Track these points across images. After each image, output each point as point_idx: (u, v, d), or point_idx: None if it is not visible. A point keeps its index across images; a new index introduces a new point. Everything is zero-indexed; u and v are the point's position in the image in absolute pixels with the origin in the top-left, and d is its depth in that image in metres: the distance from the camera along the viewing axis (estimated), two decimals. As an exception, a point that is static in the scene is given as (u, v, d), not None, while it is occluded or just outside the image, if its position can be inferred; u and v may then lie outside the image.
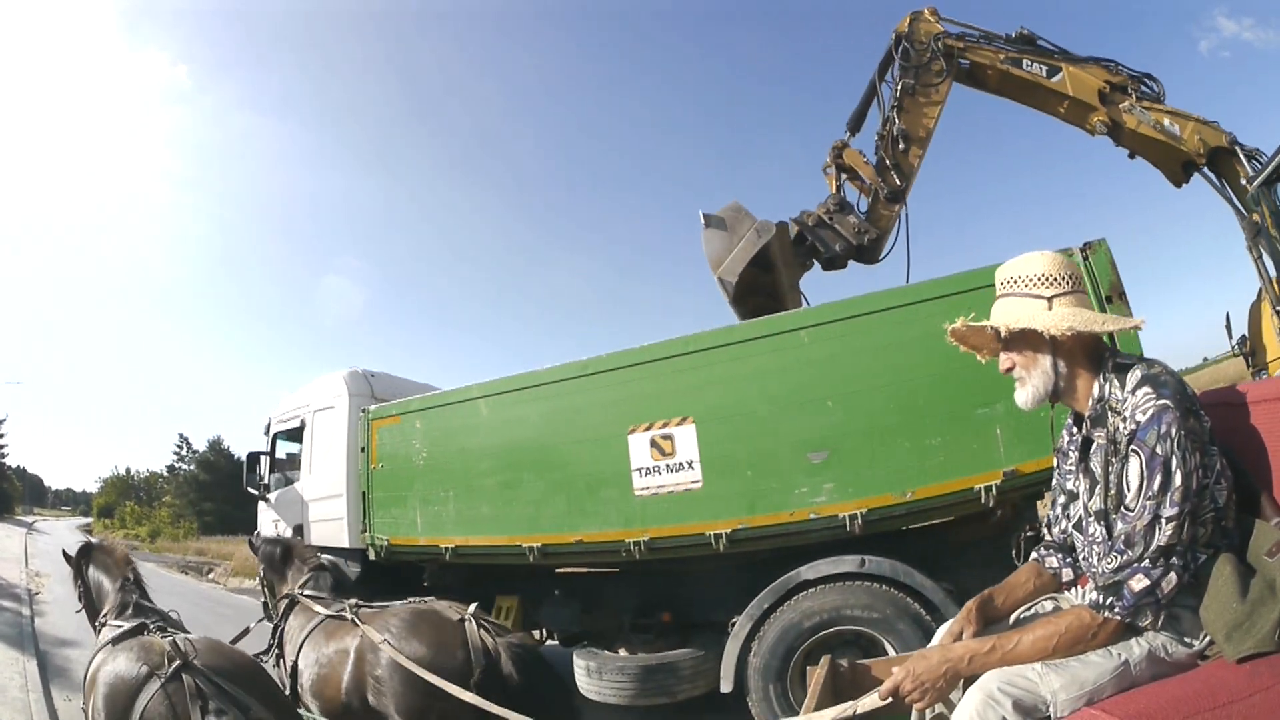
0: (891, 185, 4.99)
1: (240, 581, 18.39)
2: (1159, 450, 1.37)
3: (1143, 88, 4.66)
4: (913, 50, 4.84)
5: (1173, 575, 1.38)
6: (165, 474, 51.80)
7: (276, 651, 3.49)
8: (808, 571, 3.79)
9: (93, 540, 3.35)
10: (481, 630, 2.86)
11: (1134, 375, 1.48)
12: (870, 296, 3.75)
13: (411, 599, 3.26)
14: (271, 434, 7.01)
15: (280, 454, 7.09)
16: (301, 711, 2.96)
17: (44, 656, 7.10)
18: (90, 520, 60.39)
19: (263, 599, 4.25)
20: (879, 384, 3.62)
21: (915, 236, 5.25)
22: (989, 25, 5.05)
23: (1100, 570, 1.47)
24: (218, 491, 44.96)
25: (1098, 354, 1.57)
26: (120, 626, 2.60)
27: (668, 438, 4.07)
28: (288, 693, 3.04)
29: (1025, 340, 1.58)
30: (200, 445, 49.25)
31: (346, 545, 5.80)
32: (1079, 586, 1.72)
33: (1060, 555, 1.77)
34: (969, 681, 1.46)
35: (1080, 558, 1.67)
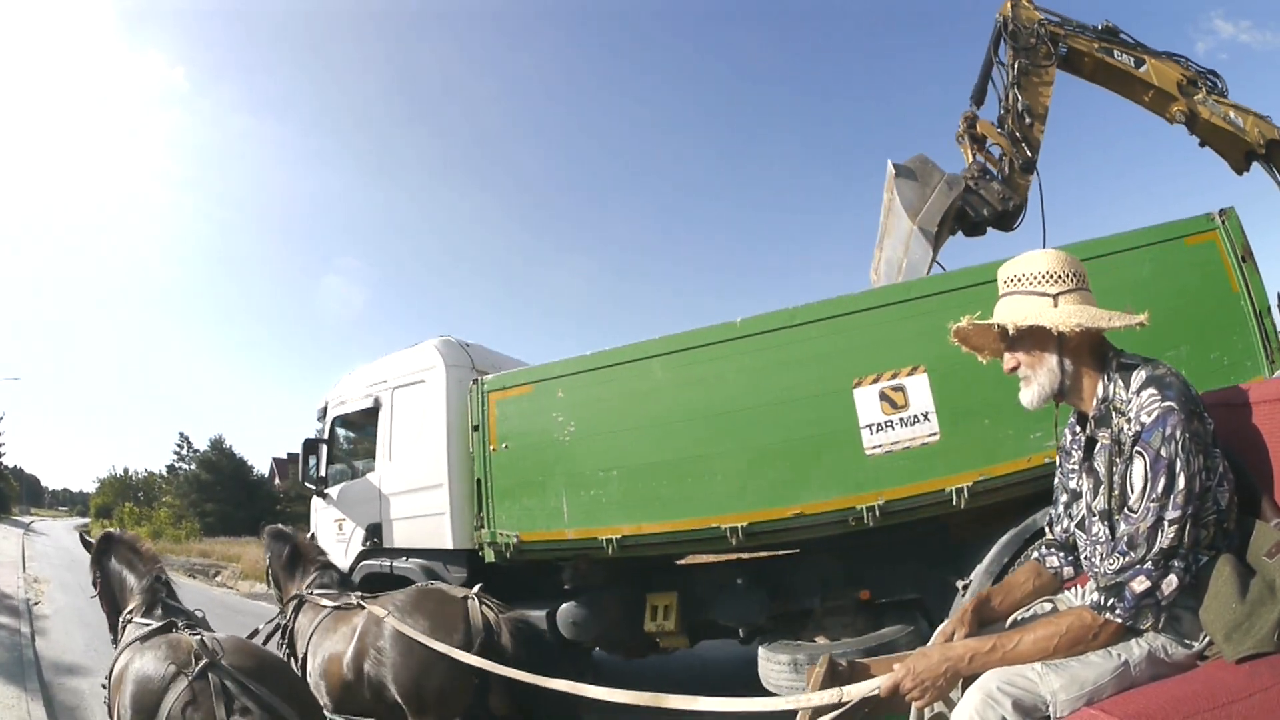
0: (1024, 155, 5.18)
1: (251, 585, 17.31)
2: (1163, 453, 1.39)
3: (1209, 82, 5.00)
4: (1020, 33, 5.10)
5: (1173, 577, 1.40)
6: (165, 474, 50.46)
7: (287, 650, 3.49)
8: (1044, 518, 3.49)
9: (114, 531, 3.33)
10: (484, 606, 2.92)
11: (1139, 376, 1.49)
12: (1096, 241, 3.73)
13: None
14: (329, 419, 6.05)
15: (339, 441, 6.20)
16: (328, 714, 2.96)
17: (49, 690, 6.04)
18: (88, 520, 59.58)
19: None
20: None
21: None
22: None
23: (1102, 570, 1.48)
24: (219, 492, 43.91)
25: (1102, 353, 1.58)
26: (148, 624, 2.63)
27: (899, 389, 3.77)
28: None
29: (1031, 338, 1.58)
30: (201, 444, 47.72)
31: (449, 546, 4.99)
32: (1079, 585, 1.74)
33: (1062, 554, 1.79)
34: (969, 681, 1.47)
35: (1082, 556, 1.68)
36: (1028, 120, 5.09)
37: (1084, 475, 1.65)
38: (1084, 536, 1.65)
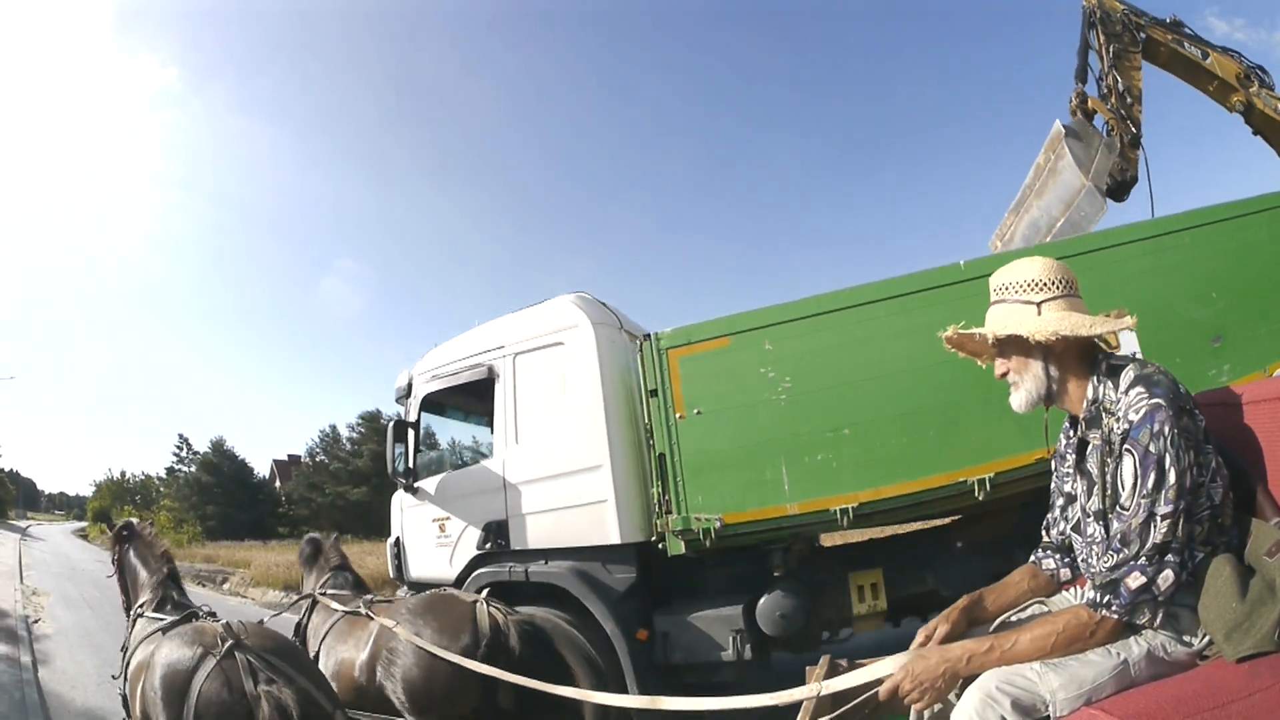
0: (1130, 132, 5.41)
1: (264, 592, 16.25)
2: (1152, 448, 1.41)
3: (1259, 76, 5.27)
4: (1108, 20, 5.40)
5: (1169, 573, 1.42)
6: (164, 476, 49.59)
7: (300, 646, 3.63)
8: None
9: (134, 521, 3.48)
10: (491, 609, 2.96)
11: (1127, 375, 1.53)
12: (1212, 208, 3.92)
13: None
14: (417, 398, 5.00)
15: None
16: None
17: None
18: (85, 524, 58.63)
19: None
20: (1251, 277, 3.81)
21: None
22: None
23: (1098, 569, 1.51)
24: (221, 494, 43.02)
25: (1090, 356, 1.62)
26: (160, 619, 2.79)
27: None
28: None
29: (1016, 346, 1.64)
30: (200, 446, 46.61)
31: (614, 540, 4.20)
32: (1077, 588, 1.76)
33: (1058, 556, 1.81)
34: (968, 682, 1.50)
35: (1079, 559, 1.70)
36: (1128, 100, 5.40)
37: (1078, 478, 1.68)
38: (1080, 539, 1.68)
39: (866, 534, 5.11)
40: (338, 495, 41.82)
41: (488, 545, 4.52)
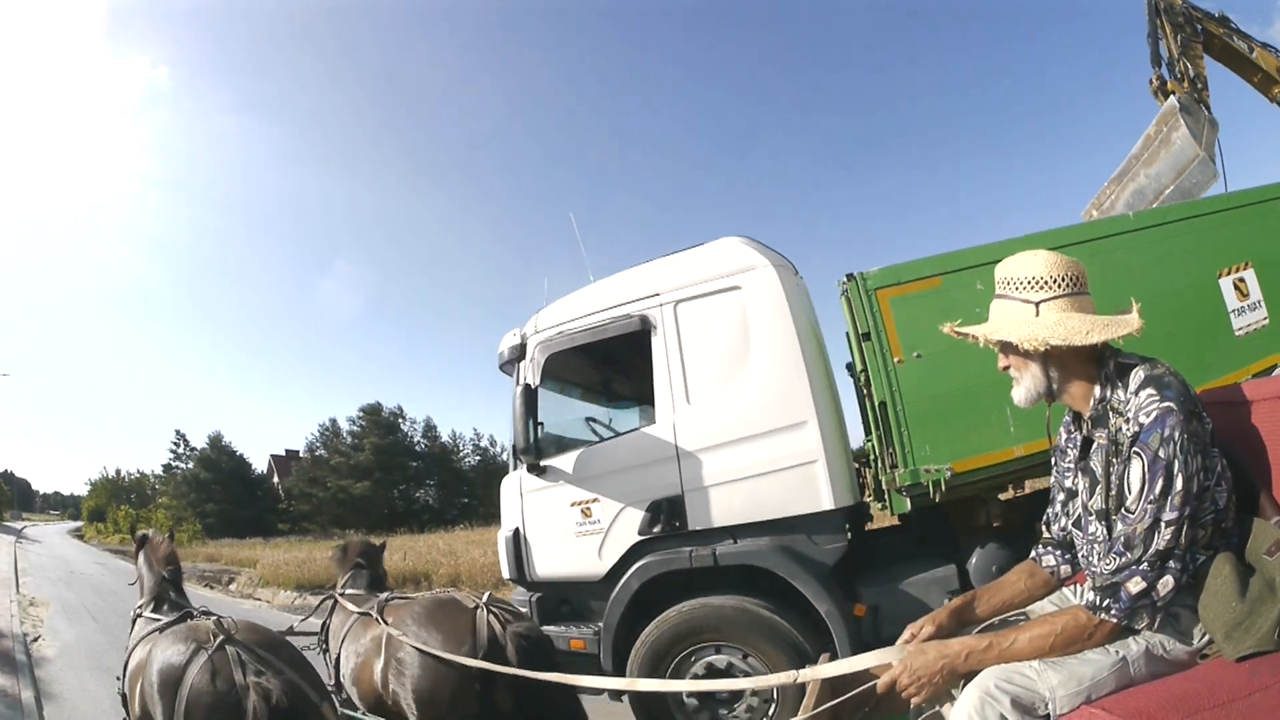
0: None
1: (274, 593, 15.50)
2: (1162, 454, 1.41)
3: None
4: (1172, 11, 5.65)
5: (1169, 578, 1.42)
6: (160, 474, 48.78)
7: (323, 646, 3.62)
8: None
9: (148, 533, 3.68)
10: (491, 617, 2.96)
11: (1137, 375, 1.51)
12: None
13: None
14: (537, 363, 4.24)
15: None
16: (348, 713, 3.16)
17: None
18: (80, 524, 57.87)
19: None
20: None
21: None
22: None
23: (1098, 570, 1.52)
24: (220, 491, 42.27)
25: (1096, 355, 1.60)
26: (158, 619, 2.93)
27: (1243, 280, 3.98)
28: (332, 681, 3.31)
29: (1014, 345, 1.62)
30: (198, 443, 45.67)
31: (826, 506, 3.69)
32: (1078, 583, 1.77)
33: (1059, 552, 1.81)
34: (969, 679, 1.51)
35: (1080, 555, 1.71)
36: (1199, 85, 5.73)
37: (1079, 474, 1.68)
38: (1081, 535, 1.68)
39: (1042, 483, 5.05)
40: (339, 490, 41.34)
41: (656, 528, 3.85)
